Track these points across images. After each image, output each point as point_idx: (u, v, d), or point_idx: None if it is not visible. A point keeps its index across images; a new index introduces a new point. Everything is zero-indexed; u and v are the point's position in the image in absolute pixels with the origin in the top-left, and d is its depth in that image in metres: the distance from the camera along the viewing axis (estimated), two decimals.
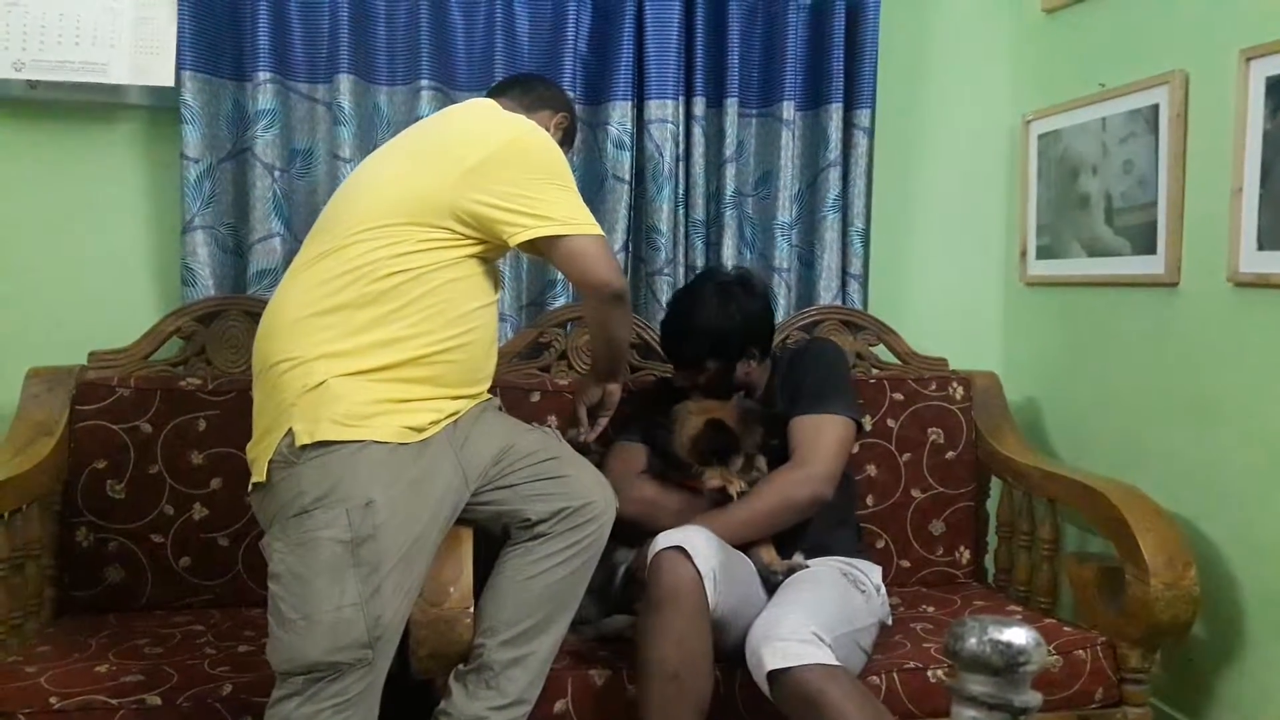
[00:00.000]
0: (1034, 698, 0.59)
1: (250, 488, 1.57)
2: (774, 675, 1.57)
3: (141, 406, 2.06)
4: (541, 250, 1.67)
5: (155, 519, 2.04)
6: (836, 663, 1.57)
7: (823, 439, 1.89)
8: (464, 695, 1.62)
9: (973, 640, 0.59)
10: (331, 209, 1.70)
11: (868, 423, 2.28)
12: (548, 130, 1.85)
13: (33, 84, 2.14)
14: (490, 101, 1.80)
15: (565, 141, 1.96)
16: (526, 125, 1.70)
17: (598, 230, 1.67)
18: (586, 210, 1.68)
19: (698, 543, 1.68)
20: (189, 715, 1.63)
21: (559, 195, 1.65)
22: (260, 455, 1.54)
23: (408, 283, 1.57)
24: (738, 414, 1.89)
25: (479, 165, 1.60)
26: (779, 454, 1.91)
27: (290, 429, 1.49)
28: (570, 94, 2.19)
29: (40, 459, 1.90)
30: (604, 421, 1.99)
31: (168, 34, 2.16)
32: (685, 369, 2.02)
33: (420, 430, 1.56)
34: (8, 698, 1.60)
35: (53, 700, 1.61)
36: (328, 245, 1.60)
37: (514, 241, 1.61)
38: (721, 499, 1.85)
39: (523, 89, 1.90)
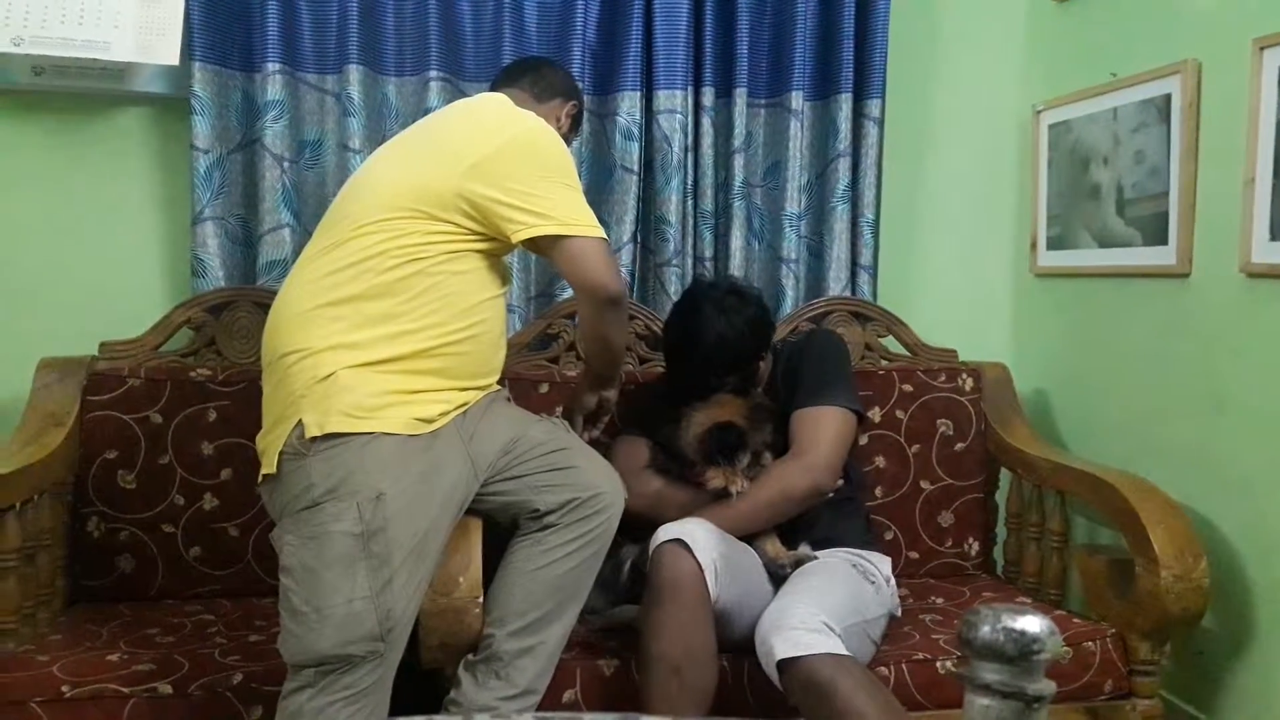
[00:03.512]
0: (1047, 686, 0.59)
1: (260, 478, 1.58)
2: (784, 664, 1.57)
3: (152, 397, 2.06)
4: (543, 249, 1.66)
5: (166, 509, 2.05)
6: (847, 652, 1.58)
7: (821, 430, 1.89)
8: (473, 685, 1.63)
9: (986, 628, 0.59)
10: (340, 201, 1.70)
11: (876, 414, 2.28)
12: (559, 118, 1.85)
13: (39, 70, 2.13)
14: (501, 96, 1.78)
15: (574, 128, 1.95)
16: (535, 122, 1.69)
17: (599, 232, 1.65)
18: (590, 211, 1.66)
19: (698, 535, 1.69)
20: (200, 704, 1.64)
21: (563, 194, 1.63)
22: (270, 446, 1.54)
23: (416, 275, 1.57)
24: (748, 410, 1.89)
25: (485, 159, 1.60)
26: (784, 448, 1.91)
27: (300, 420, 1.50)
28: (579, 84, 2.19)
29: (51, 449, 1.91)
30: (602, 425, 1.96)
31: (174, 16, 2.13)
32: (706, 389, 1.92)
33: (430, 421, 1.56)
34: (20, 686, 1.61)
35: (65, 689, 1.61)
36: (336, 237, 1.60)
37: (516, 238, 1.60)
38: (723, 498, 1.84)
39: (532, 77, 1.89)
